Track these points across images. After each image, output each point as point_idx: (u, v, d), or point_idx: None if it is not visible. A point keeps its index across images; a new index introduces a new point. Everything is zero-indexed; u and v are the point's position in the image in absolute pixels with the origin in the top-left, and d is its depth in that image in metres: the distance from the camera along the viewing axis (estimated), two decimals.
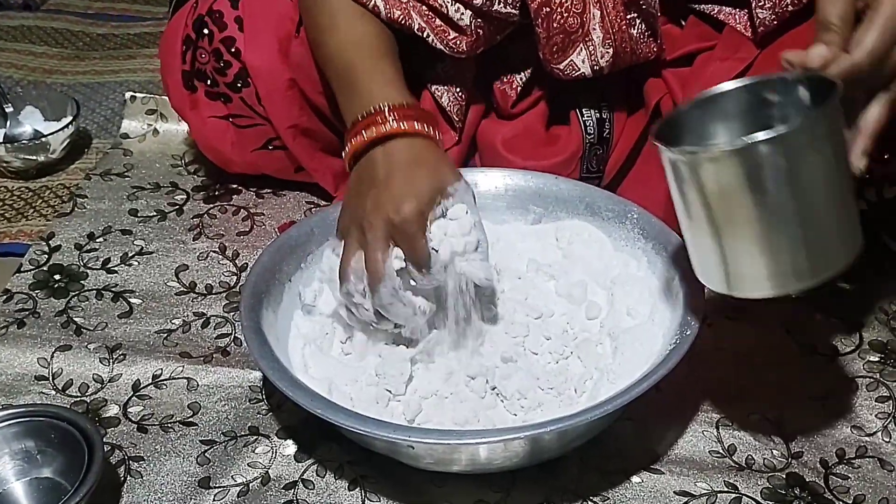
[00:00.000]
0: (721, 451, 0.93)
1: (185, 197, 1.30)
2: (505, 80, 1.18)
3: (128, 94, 1.43)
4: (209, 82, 1.18)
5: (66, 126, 1.36)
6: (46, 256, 1.19)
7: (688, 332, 0.87)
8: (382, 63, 0.99)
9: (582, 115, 1.18)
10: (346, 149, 0.95)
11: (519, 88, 1.17)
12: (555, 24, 1.06)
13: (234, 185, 1.31)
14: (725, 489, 0.89)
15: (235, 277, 1.16)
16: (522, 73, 1.17)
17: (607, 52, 1.08)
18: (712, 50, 1.12)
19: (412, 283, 0.90)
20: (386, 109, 0.93)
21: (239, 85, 1.17)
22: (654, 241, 1.00)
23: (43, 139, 1.35)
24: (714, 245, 0.79)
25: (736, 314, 1.08)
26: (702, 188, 0.77)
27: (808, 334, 1.06)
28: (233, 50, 1.15)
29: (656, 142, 0.79)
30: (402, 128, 0.92)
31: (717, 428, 0.95)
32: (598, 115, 1.18)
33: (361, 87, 0.97)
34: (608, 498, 0.88)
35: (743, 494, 0.88)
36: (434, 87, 1.14)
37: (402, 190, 0.89)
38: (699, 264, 0.84)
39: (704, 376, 1.01)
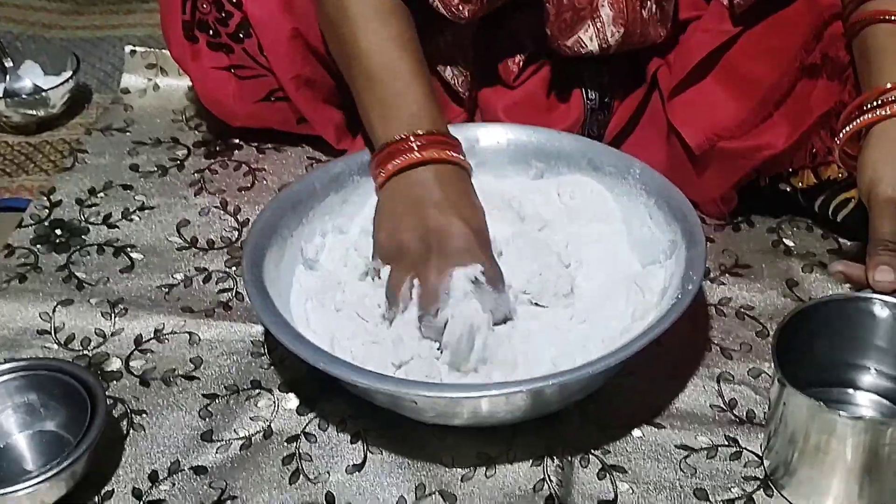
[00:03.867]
0: (722, 405, 0.93)
1: (186, 152, 1.29)
2: (508, 54, 1.16)
3: (127, 49, 1.41)
4: (211, 33, 1.17)
5: (66, 81, 1.35)
6: (47, 211, 1.19)
7: (689, 287, 0.87)
8: (416, 75, 0.99)
9: (584, 82, 1.17)
10: (377, 170, 0.97)
11: (521, 63, 1.15)
12: (565, 0, 1.04)
13: (236, 141, 1.30)
14: (726, 443, 0.89)
15: (237, 233, 1.16)
16: (526, 48, 1.15)
17: (617, 32, 1.07)
18: (699, 20, 1.12)
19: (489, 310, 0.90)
20: (420, 134, 0.95)
21: (241, 35, 1.16)
22: (656, 196, 0.99)
23: (43, 94, 1.34)
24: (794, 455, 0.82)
25: (738, 270, 1.08)
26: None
27: (809, 289, 1.06)
28: (234, 1, 1.14)
29: (783, 378, 0.79)
30: (439, 156, 0.94)
31: (719, 382, 0.96)
32: (599, 80, 1.17)
33: (396, 104, 0.97)
34: (609, 451, 0.89)
35: (743, 448, 0.89)
36: (437, 64, 1.13)
37: (464, 213, 0.91)
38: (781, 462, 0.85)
39: (705, 331, 1.01)
